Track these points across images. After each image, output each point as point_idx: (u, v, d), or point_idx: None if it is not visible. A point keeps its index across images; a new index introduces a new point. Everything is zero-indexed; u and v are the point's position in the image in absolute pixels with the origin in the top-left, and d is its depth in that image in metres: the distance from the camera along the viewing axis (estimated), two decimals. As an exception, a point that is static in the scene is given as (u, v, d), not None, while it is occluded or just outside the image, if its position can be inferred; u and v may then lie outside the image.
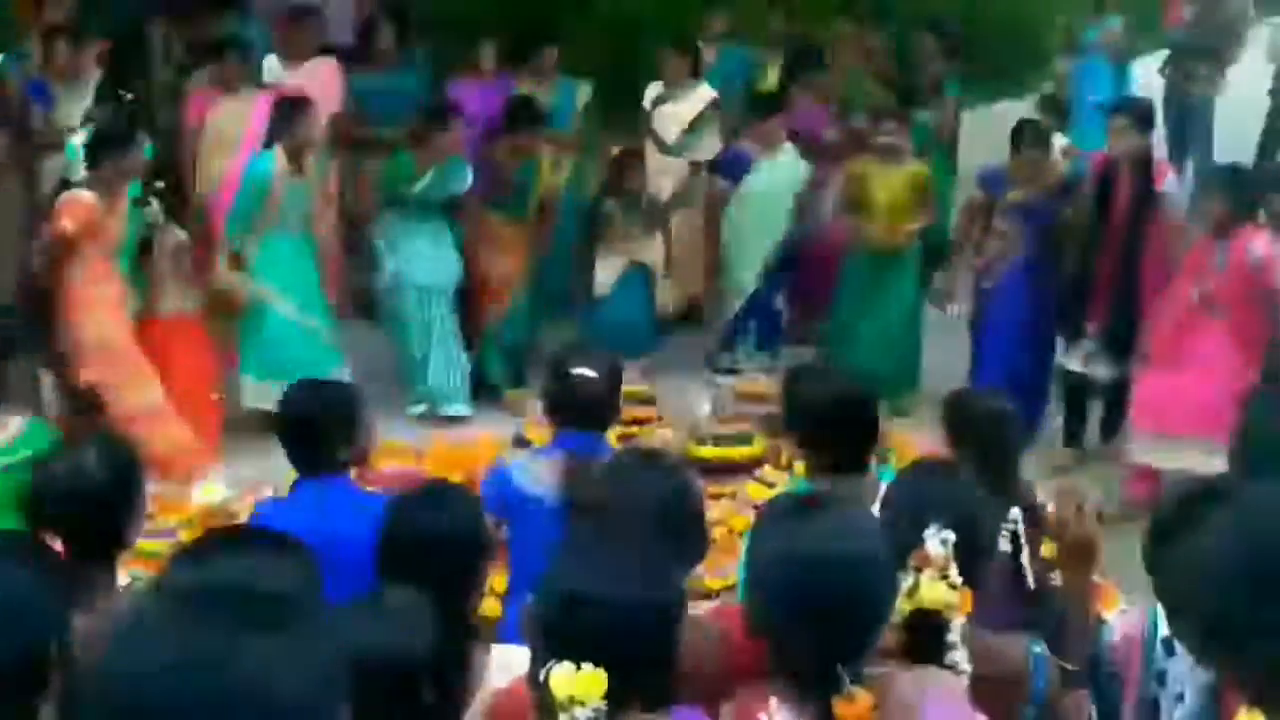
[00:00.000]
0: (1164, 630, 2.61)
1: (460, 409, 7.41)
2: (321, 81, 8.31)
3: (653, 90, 8.75)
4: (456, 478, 6.17)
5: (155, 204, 6.65)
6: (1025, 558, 3.41)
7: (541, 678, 2.09)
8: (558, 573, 2.20)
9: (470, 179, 7.46)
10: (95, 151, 6.28)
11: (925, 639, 2.52)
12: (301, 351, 6.80)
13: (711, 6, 9.83)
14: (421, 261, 7.38)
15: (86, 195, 6.22)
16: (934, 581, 2.54)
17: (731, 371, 7.90)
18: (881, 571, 2.24)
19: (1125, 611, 2.74)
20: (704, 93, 8.59)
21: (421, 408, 7.42)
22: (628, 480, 2.85)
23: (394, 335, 7.56)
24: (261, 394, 6.68)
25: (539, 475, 3.94)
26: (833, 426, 3.50)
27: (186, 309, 6.76)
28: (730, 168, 8.33)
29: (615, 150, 8.18)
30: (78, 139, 6.79)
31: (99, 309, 6.25)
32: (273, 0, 10.17)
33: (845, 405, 3.54)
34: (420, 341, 7.40)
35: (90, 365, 6.20)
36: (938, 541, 2.58)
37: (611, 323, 7.65)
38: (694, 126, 8.48)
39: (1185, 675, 2.59)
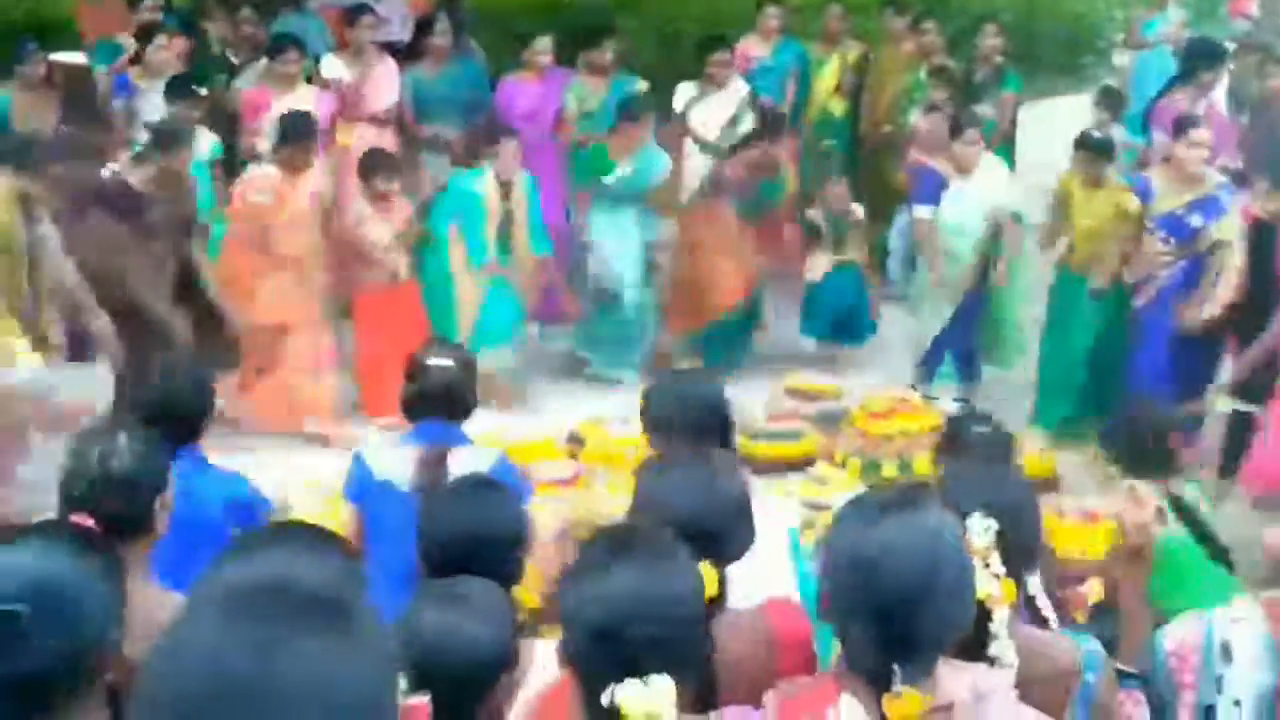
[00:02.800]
0: (1221, 636, 2.57)
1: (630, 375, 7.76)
2: (378, 78, 8.38)
3: (684, 91, 8.74)
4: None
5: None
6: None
7: (607, 702, 2.06)
8: (586, 590, 2.19)
9: (668, 169, 7.81)
10: (281, 135, 6.94)
11: (968, 630, 2.50)
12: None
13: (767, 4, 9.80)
14: (620, 257, 7.75)
15: (271, 171, 6.88)
16: (978, 572, 2.51)
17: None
18: (953, 576, 2.17)
19: (1183, 618, 2.69)
20: (738, 87, 8.62)
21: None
22: (658, 481, 2.83)
23: (596, 322, 7.95)
24: None
25: (390, 463, 3.99)
26: (688, 430, 3.42)
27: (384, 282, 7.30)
28: (924, 189, 7.85)
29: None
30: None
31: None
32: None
33: (699, 408, 3.50)
34: (610, 326, 7.84)
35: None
36: (981, 530, 2.56)
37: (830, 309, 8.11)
38: (733, 121, 8.51)
39: (1243, 681, 2.55)
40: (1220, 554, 3.91)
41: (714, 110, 8.48)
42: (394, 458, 4.01)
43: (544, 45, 8.57)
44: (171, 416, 3.73)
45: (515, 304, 7.70)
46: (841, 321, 8.28)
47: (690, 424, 3.43)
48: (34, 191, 5.97)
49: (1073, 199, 7.07)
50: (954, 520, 2.27)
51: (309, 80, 8.24)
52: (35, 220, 5.97)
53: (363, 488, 4.05)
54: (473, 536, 2.96)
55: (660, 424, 3.51)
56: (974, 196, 7.44)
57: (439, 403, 4.03)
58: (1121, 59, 11.11)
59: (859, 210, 8.25)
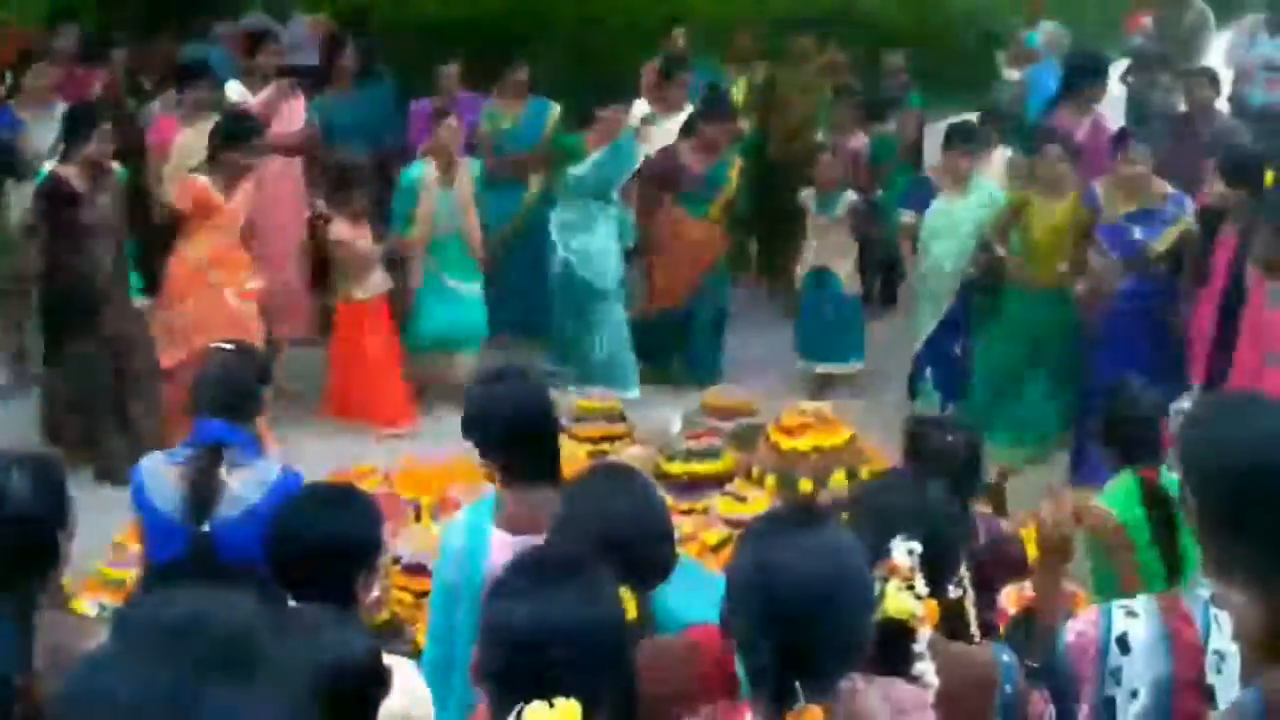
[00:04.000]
0: (1118, 628, 2.65)
1: (631, 393, 7.71)
2: (283, 103, 8.31)
3: (637, 109, 8.79)
4: (426, 499, 6.24)
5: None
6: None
7: None
8: (505, 612, 2.18)
9: (640, 157, 7.79)
10: (217, 140, 6.71)
11: (891, 649, 2.53)
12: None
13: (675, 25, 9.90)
14: (589, 255, 7.72)
15: (202, 178, 6.70)
16: (900, 591, 2.55)
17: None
18: (852, 592, 2.21)
19: (1079, 612, 2.76)
20: (688, 110, 8.64)
21: (593, 389, 7.56)
22: (579, 502, 2.84)
23: (558, 319, 7.93)
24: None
25: (162, 475, 3.73)
26: (513, 438, 3.40)
27: (369, 295, 7.47)
28: (914, 199, 7.91)
29: None
30: (49, 165, 6.86)
31: (201, 289, 6.76)
32: (231, 26, 10.22)
33: (523, 416, 3.43)
34: (579, 327, 7.80)
35: (183, 340, 6.67)
36: (904, 551, 2.59)
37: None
38: None
39: (1139, 673, 2.62)
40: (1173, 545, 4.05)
41: (666, 132, 8.46)
42: (161, 471, 3.74)
43: (453, 69, 8.55)
44: (229, 400, 3.73)
45: (480, 308, 7.80)
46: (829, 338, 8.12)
47: (509, 428, 3.38)
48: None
49: (1030, 209, 7.00)
50: (853, 538, 2.30)
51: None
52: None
53: (137, 500, 3.78)
54: (319, 553, 2.87)
55: (474, 426, 3.45)
56: (960, 209, 7.42)
57: (216, 394, 3.80)
58: (1013, 74, 11.28)
59: (852, 196, 8.07)
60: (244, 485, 3.65)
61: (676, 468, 6.37)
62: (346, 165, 7.66)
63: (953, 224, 7.43)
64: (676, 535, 3.08)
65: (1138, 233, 6.58)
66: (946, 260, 7.44)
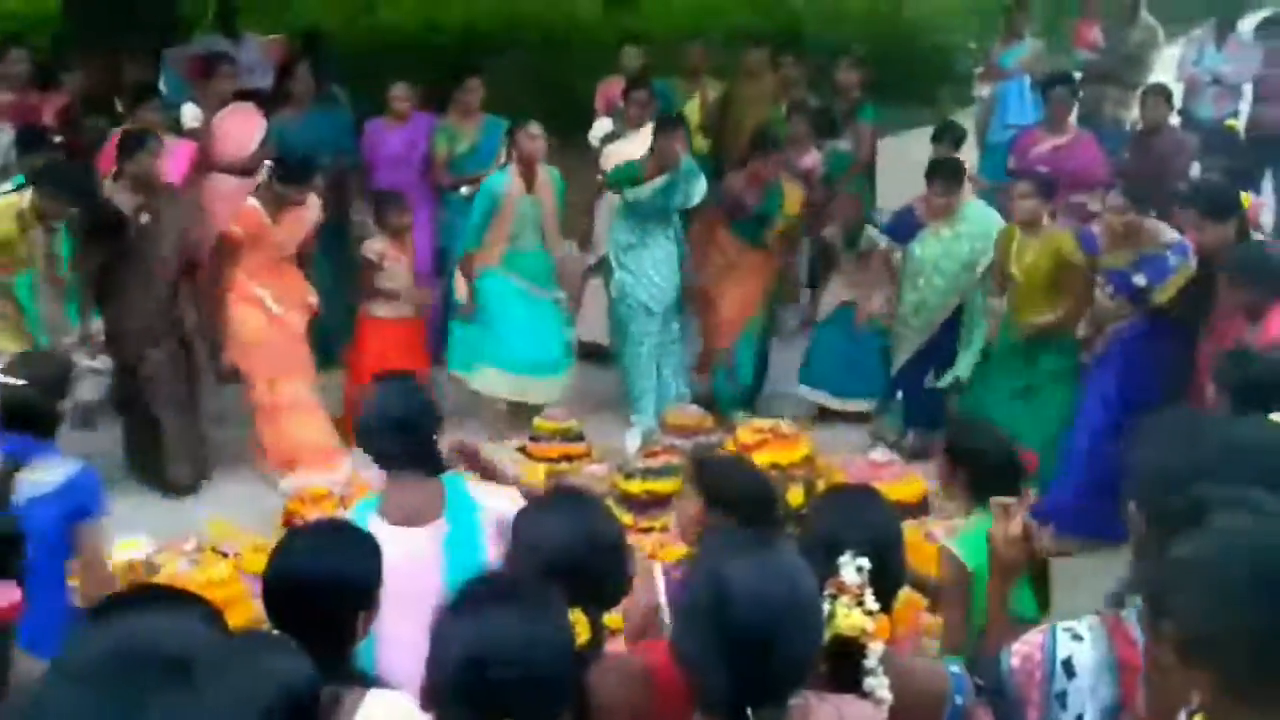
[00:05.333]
0: (1063, 652, 2.65)
1: (643, 419, 7.59)
2: (237, 126, 8.31)
3: (599, 127, 8.76)
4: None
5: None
6: None
7: None
8: (449, 633, 2.19)
9: (705, 189, 7.68)
10: (278, 174, 7.05)
11: (843, 666, 2.55)
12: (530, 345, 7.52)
13: (630, 42, 9.92)
14: (646, 279, 7.61)
15: (253, 203, 7.01)
16: (850, 609, 2.57)
17: (891, 446, 7.39)
18: (805, 615, 2.24)
19: (1027, 634, 2.76)
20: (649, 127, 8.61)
21: (647, 423, 7.53)
22: (532, 526, 2.85)
23: (618, 347, 7.84)
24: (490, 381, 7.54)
25: None
26: (392, 433, 3.77)
27: (396, 314, 7.47)
28: (899, 230, 7.73)
29: None
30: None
31: (257, 306, 7.06)
32: (184, 48, 10.19)
33: (400, 413, 3.80)
34: (635, 355, 7.67)
35: (239, 356, 7.08)
36: (853, 569, 2.61)
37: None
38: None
39: (1085, 696, 2.63)
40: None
41: (629, 149, 8.27)
42: None
43: (403, 90, 8.54)
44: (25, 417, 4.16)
45: (561, 329, 7.76)
46: (846, 373, 7.93)
47: (387, 424, 3.77)
48: (48, 208, 6.43)
49: (1012, 243, 6.84)
50: (803, 560, 2.32)
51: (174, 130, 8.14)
52: (52, 232, 6.51)
53: None
54: (315, 594, 2.80)
55: (360, 426, 3.83)
56: (949, 240, 7.31)
57: (14, 414, 4.23)
58: (983, 90, 11.36)
59: (874, 234, 7.88)
60: (34, 484, 4.09)
61: (635, 486, 6.38)
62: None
63: (941, 255, 7.32)
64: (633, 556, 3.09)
65: (1141, 279, 6.35)
66: (933, 292, 7.37)
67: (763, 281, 7.93)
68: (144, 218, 6.85)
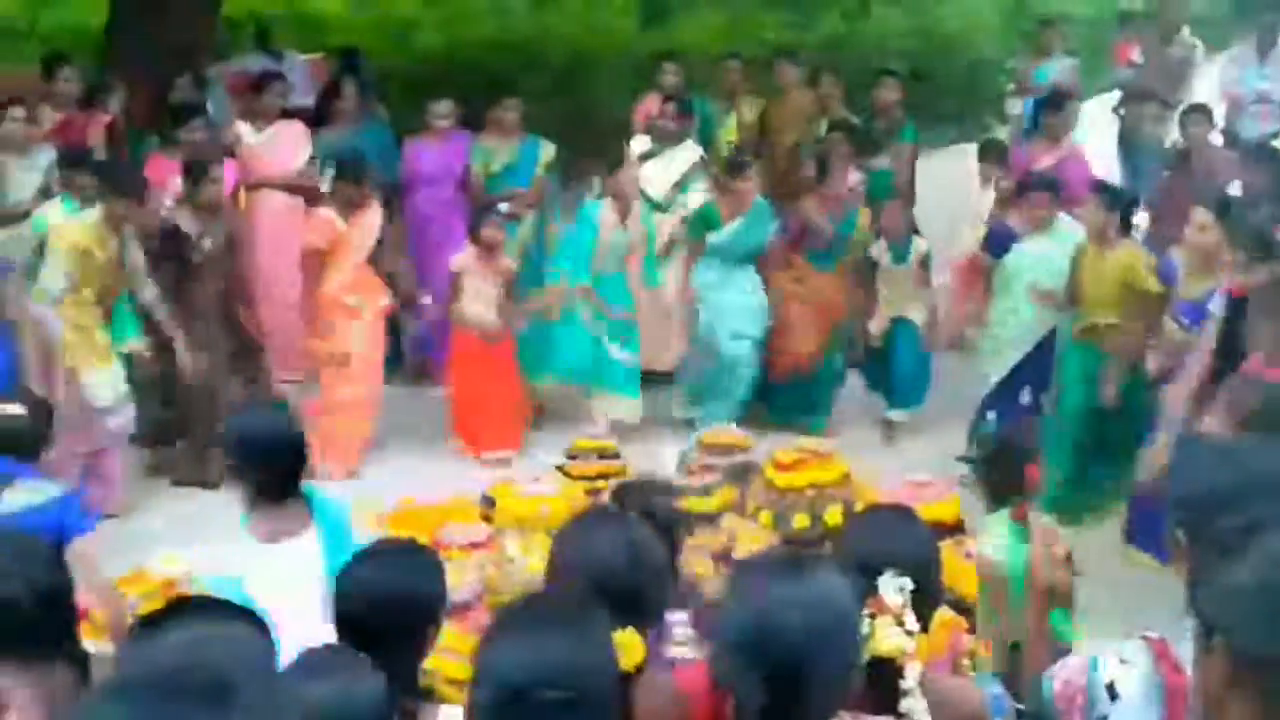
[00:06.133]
0: (1107, 676, 2.63)
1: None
2: (287, 144, 8.38)
3: (638, 144, 8.81)
4: (422, 539, 6.22)
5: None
6: None
7: None
8: (492, 656, 2.19)
9: (773, 227, 7.91)
10: (337, 175, 7.40)
11: (881, 687, 2.54)
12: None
13: (665, 60, 9.94)
14: (728, 312, 7.84)
15: (327, 212, 7.35)
16: (890, 629, 2.56)
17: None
18: (843, 639, 2.24)
19: (1070, 658, 2.74)
20: (691, 148, 8.69)
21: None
22: (571, 547, 2.84)
23: (693, 371, 8.09)
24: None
25: None
26: (256, 459, 3.84)
27: (482, 326, 7.67)
28: (994, 244, 7.78)
29: None
30: (47, 209, 6.97)
31: (346, 316, 7.41)
32: (227, 66, 10.29)
33: (264, 440, 3.85)
34: (719, 384, 7.89)
35: (317, 360, 7.45)
36: (894, 589, 2.60)
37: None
38: (683, 182, 8.55)
39: None
40: None
41: (665, 167, 8.51)
42: None
43: (444, 108, 8.59)
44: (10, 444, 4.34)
45: (636, 350, 8.03)
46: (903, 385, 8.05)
47: (252, 450, 3.84)
48: (127, 215, 6.76)
49: (1085, 258, 6.77)
50: (843, 582, 2.31)
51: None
52: (128, 240, 6.80)
53: None
54: (386, 610, 2.89)
55: (228, 450, 3.94)
56: (1042, 253, 7.20)
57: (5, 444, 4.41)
58: (1014, 108, 11.33)
59: (923, 244, 8.03)
60: (12, 502, 4.23)
61: (672, 504, 6.36)
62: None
63: (1034, 268, 7.22)
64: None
65: (1216, 307, 6.04)
66: (1026, 305, 7.25)
67: (839, 302, 8.03)
68: (207, 242, 7.12)
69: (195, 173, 7.22)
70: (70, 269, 6.65)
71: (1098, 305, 6.70)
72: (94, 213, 6.73)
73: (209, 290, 7.21)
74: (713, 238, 7.88)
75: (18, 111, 7.72)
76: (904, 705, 2.52)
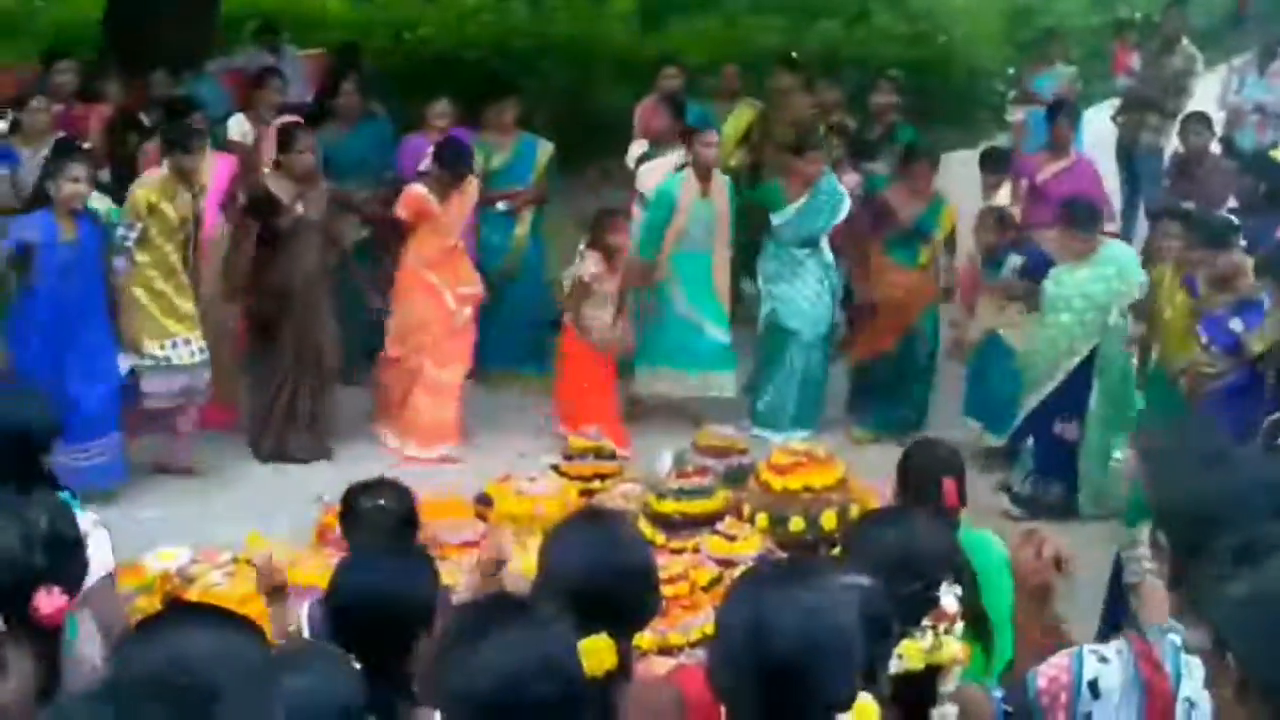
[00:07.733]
0: (1089, 674, 2.66)
1: (785, 435, 7.57)
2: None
3: (636, 149, 8.78)
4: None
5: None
6: None
7: None
8: (453, 668, 2.17)
9: (848, 207, 7.77)
10: (439, 160, 7.57)
11: (925, 692, 2.54)
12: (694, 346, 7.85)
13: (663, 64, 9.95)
14: (794, 303, 7.74)
15: (419, 188, 7.49)
16: (950, 638, 2.55)
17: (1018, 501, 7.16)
18: (844, 650, 2.20)
19: (1055, 657, 2.76)
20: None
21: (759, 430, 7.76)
22: (558, 549, 2.80)
23: (765, 369, 7.98)
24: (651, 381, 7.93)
25: None
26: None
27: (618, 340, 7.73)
28: (1030, 268, 7.46)
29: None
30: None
31: (423, 291, 7.53)
32: (225, 61, 10.28)
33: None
34: (778, 376, 7.83)
35: (401, 336, 7.60)
36: (952, 598, 2.59)
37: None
38: None
39: (1110, 717, 2.62)
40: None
41: (663, 170, 8.39)
42: None
43: (443, 107, 8.58)
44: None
45: (724, 323, 7.93)
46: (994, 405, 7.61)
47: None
48: (194, 174, 6.97)
49: (1162, 285, 6.66)
50: (843, 590, 2.29)
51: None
52: (196, 197, 7.00)
53: None
54: (381, 614, 2.89)
55: None
56: (1082, 280, 7.00)
57: None
58: (1015, 115, 11.34)
59: (1016, 258, 7.61)
60: None
61: (667, 506, 6.35)
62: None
63: (1071, 295, 7.02)
64: (663, 576, 3.07)
65: (1236, 324, 6.11)
66: (1062, 332, 7.07)
67: (922, 300, 7.92)
68: (299, 206, 7.23)
69: (288, 141, 7.39)
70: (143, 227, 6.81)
71: (1180, 331, 6.59)
72: (161, 170, 6.92)
73: (309, 256, 7.31)
74: (775, 219, 7.77)
75: (36, 104, 7.79)
76: (937, 713, 2.52)
